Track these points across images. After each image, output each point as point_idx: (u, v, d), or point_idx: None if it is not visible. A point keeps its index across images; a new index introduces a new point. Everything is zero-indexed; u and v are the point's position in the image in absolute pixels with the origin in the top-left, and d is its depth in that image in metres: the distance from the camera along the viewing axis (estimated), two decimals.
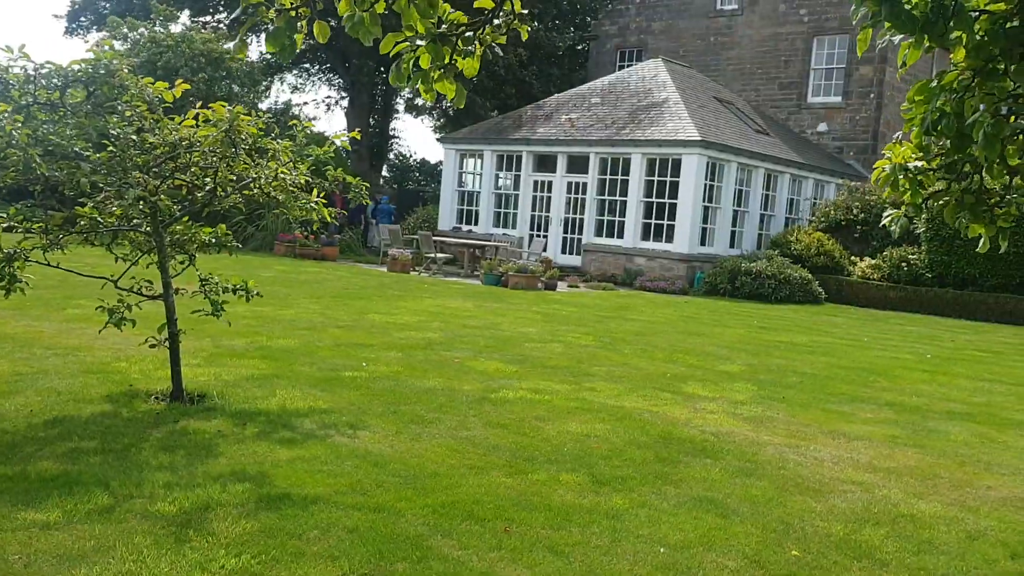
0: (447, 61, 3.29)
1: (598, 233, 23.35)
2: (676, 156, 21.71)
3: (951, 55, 3.38)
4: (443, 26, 3.28)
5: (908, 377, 9.93)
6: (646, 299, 18.33)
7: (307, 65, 39.15)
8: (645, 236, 22.45)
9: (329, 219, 5.90)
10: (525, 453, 5.51)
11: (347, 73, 34.71)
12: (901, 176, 3.63)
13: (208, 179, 5.57)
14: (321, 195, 5.94)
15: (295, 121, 6.33)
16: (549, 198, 24.29)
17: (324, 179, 6.34)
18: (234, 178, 5.63)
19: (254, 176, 5.61)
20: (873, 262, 20.98)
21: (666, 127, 22.36)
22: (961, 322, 18.14)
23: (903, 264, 20.22)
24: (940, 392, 9.09)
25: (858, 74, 27.67)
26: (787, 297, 19.66)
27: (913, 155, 3.64)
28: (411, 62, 3.31)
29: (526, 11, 3.51)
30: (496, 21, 3.35)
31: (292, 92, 46.12)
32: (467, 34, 3.30)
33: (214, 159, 5.21)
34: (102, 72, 4.86)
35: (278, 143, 5.78)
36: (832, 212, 22.92)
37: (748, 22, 29.98)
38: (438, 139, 30.68)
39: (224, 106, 5.20)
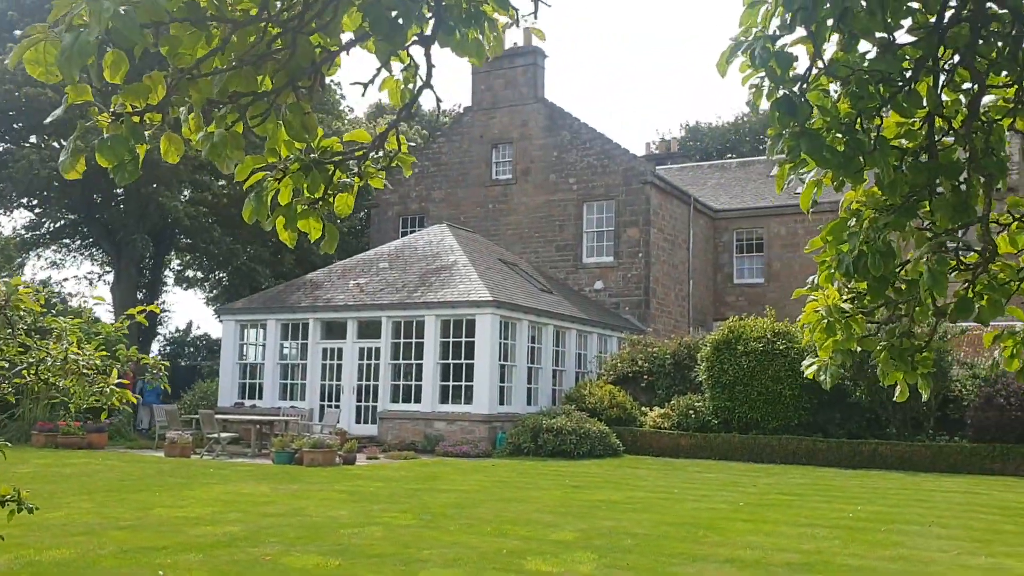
0: (319, 195, 2.79)
1: (394, 399, 22.64)
2: (470, 316, 21.74)
3: (846, 193, 3.30)
4: (313, 154, 2.80)
5: (733, 529, 9.89)
6: (452, 466, 17.67)
7: (67, 240, 36.54)
8: (444, 399, 22.01)
9: (133, 402, 5.00)
10: None
11: (113, 246, 32.62)
12: (836, 319, 3.45)
13: None
14: (119, 378, 5.03)
15: (75, 296, 5.42)
16: (340, 366, 23.42)
17: (116, 359, 5.45)
18: (4, 364, 4.64)
19: (31, 360, 4.65)
20: (662, 411, 21.66)
21: (458, 288, 22.47)
22: (751, 465, 18.86)
23: (691, 412, 21.01)
24: (770, 542, 9.06)
25: (626, 235, 29.52)
26: (588, 452, 19.72)
27: (842, 298, 3.48)
28: (270, 196, 2.77)
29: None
30: (378, 154, 2.91)
31: (51, 267, 42.62)
32: (348, 162, 2.83)
33: None
34: None
35: (63, 320, 4.88)
36: (619, 364, 23.67)
37: (523, 190, 31.48)
38: (215, 310, 29.14)
39: None
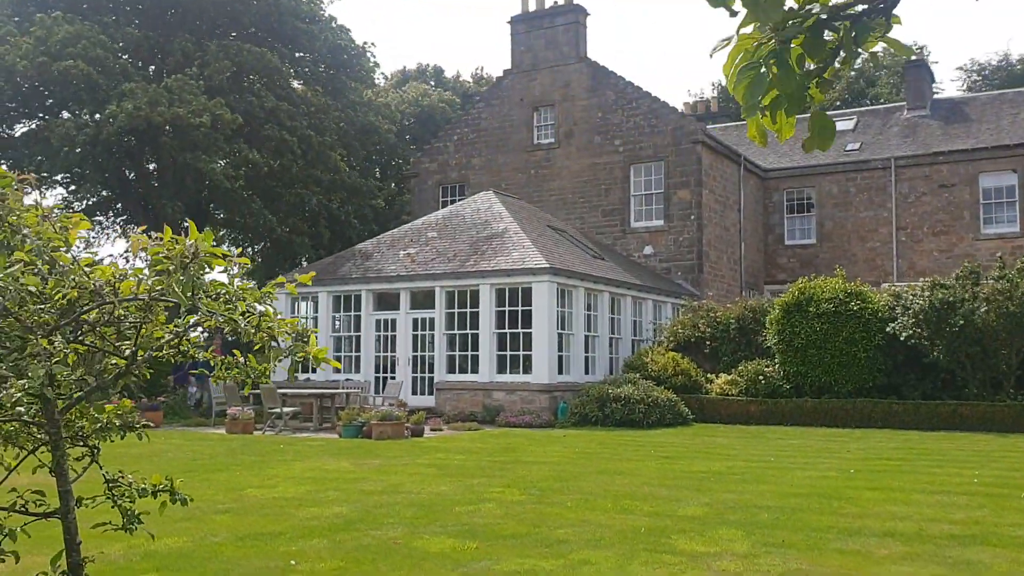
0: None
1: (451, 370, 22.13)
2: (526, 284, 21.13)
3: None
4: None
5: (864, 499, 9.28)
6: (523, 436, 17.15)
7: (100, 217, 36.07)
8: (501, 369, 21.47)
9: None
10: None
11: (149, 221, 32.20)
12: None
13: (128, 340, 3.97)
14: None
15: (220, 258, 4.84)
16: (394, 337, 22.91)
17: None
18: (167, 336, 4.07)
19: (244, 315, 3.94)
20: (729, 378, 21.02)
21: (511, 256, 21.85)
22: (828, 430, 18.23)
23: (760, 378, 20.35)
24: (914, 512, 8.45)
25: (676, 197, 28.71)
26: (658, 421, 19.14)
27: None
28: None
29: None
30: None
31: (85, 246, 42.17)
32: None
33: (144, 311, 3.67)
34: None
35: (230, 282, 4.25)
36: (680, 330, 23.02)
37: (566, 154, 30.69)
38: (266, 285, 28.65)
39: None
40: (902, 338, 18.71)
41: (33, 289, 3.53)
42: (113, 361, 4.10)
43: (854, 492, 9.67)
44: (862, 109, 37.29)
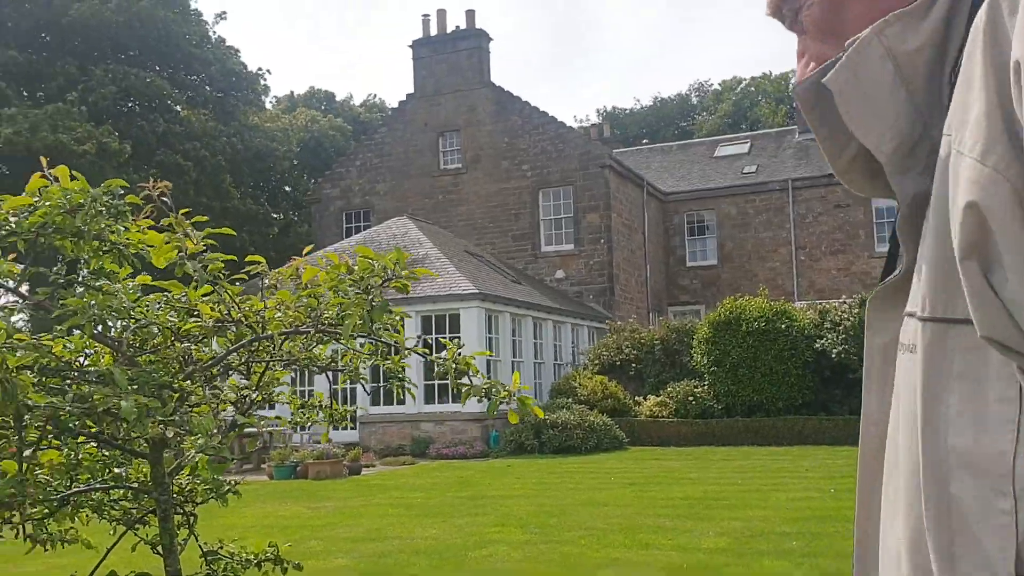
0: None
1: (375, 402, 21.23)
2: (454, 311, 20.57)
3: None
4: None
5: None
6: (466, 468, 16.52)
7: None
8: (429, 399, 20.74)
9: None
10: None
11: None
12: None
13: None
14: None
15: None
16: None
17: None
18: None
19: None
20: (659, 399, 20.99)
21: (437, 282, 21.23)
22: (765, 448, 18.39)
23: (690, 398, 20.40)
24: None
25: (586, 221, 28.77)
26: (596, 446, 18.86)
27: None
28: None
29: None
30: None
31: None
32: None
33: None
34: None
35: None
36: (604, 353, 22.90)
37: (474, 179, 30.34)
38: None
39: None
40: (832, 355, 19.14)
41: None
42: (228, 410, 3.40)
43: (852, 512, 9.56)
44: (756, 133, 38.64)
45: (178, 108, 33.11)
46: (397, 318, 3.31)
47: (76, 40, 29.31)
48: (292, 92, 48.16)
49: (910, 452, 0.79)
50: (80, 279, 2.57)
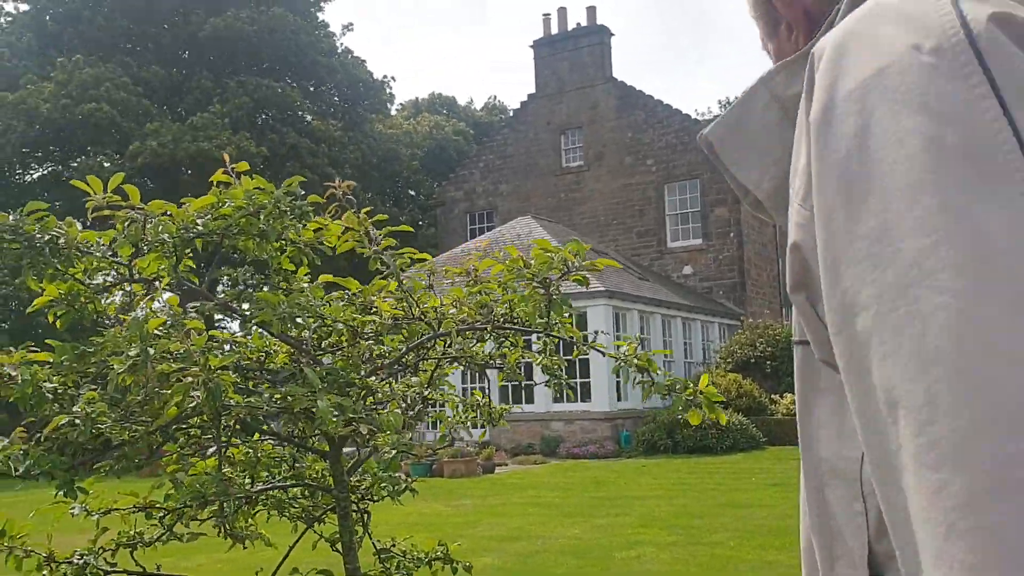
0: None
1: (504, 400, 21.33)
2: (581, 309, 20.41)
3: None
4: None
5: None
6: (599, 468, 16.38)
7: None
8: (558, 398, 20.69)
9: None
10: None
11: None
12: None
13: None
14: None
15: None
16: None
17: None
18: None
19: None
20: None
21: (564, 280, 21.12)
22: None
23: None
24: None
25: (714, 215, 28.12)
26: (732, 446, 18.38)
27: None
28: None
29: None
30: None
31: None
32: None
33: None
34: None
35: None
36: (738, 350, 22.31)
37: (596, 176, 30.12)
38: None
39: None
40: None
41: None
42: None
43: None
44: None
45: (308, 118, 34.28)
46: (569, 314, 3.19)
47: (212, 54, 30.72)
48: (416, 98, 49.12)
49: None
50: (266, 279, 2.59)
